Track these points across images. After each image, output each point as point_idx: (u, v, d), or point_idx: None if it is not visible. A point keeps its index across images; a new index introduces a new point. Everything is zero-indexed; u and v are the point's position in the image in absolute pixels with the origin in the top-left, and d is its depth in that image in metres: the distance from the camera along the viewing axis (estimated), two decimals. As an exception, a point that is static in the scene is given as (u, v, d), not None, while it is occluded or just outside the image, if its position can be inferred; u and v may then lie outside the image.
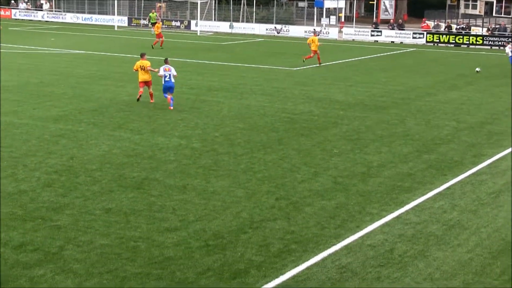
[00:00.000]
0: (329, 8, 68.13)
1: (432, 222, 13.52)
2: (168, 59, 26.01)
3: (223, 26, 66.66)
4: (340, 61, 42.31)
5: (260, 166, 17.36)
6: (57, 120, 22.26)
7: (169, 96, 24.82)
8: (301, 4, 79.72)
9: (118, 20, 67.92)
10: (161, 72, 24.78)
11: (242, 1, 70.76)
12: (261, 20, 70.05)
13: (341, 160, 18.09)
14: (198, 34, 63.13)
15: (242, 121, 22.95)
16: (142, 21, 70.30)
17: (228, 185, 15.71)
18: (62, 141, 19.41)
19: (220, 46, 51.87)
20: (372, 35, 60.20)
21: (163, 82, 24.87)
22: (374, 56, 46.21)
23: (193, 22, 67.50)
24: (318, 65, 39.14)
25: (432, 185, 16.06)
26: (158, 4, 73.31)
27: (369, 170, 17.25)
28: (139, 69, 25.61)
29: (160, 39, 48.78)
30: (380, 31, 59.84)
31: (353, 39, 60.17)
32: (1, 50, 41.92)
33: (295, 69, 37.77)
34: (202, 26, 65.27)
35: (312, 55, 39.40)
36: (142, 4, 73.13)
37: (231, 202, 14.50)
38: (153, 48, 46.59)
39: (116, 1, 68.96)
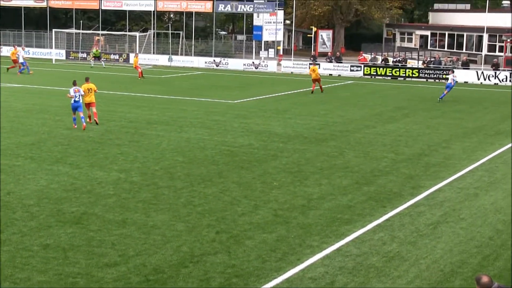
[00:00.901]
0: (267, 41, 68.91)
1: (372, 254, 13.70)
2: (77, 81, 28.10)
3: (162, 59, 66.70)
4: (279, 94, 42.71)
5: (201, 200, 17.37)
6: (-6, 154, 21.90)
7: (82, 120, 27.23)
8: (239, 37, 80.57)
9: (56, 54, 67.38)
10: (71, 93, 27.09)
11: (181, 34, 71.03)
12: (200, 53, 70.40)
13: (281, 193, 18.23)
14: (137, 67, 62.92)
15: (181, 154, 22.95)
16: (80, 54, 69.89)
17: (169, 219, 15.67)
18: (-1, 176, 19.11)
19: (159, 79, 51.83)
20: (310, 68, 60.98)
21: (72, 102, 27.04)
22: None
23: (131, 55, 67.27)
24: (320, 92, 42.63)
25: (371, 217, 16.29)
26: (97, 38, 72.99)
27: (309, 202, 17.42)
28: (87, 91, 28.04)
29: (138, 70, 51.84)
30: (318, 64, 60.66)
31: (291, 72, 60.84)
32: None
33: (235, 101, 37.98)
34: (141, 59, 65.12)
35: (314, 85, 43.10)
36: (80, 37, 72.72)
37: (172, 236, 14.46)
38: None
39: (53, 35, 68.40)
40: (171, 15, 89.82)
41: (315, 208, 16.93)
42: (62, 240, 13.95)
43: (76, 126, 27.20)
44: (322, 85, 43.73)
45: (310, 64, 52.87)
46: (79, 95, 27.22)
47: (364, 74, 57.78)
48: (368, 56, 64.73)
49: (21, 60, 52.57)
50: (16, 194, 17.31)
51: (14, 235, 14.13)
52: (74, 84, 27.73)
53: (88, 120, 28.34)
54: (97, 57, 62.12)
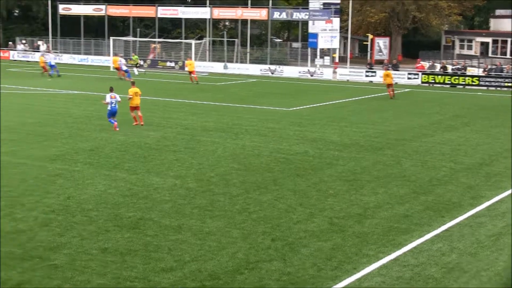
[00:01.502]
0: (323, 49, 68.75)
1: (431, 264, 13.52)
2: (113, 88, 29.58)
3: (217, 67, 67.13)
4: (335, 102, 42.58)
5: (256, 207, 17.41)
6: (54, 160, 22.33)
7: (115, 123, 28.65)
8: (295, 44, 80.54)
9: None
10: (107, 99, 28.49)
11: (236, 42, 71.38)
12: (255, 60, 70.57)
13: (337, 201, 18.16)
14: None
15: (237, 161, 23.04)
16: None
17: (224, 225, 15.74)
18: (59, 180, 19.48)
19: (215, 87, 52.17)
20: (366, 76, 60.65)
21: (109, 108, 28.51)
22: (369, 97, 46.52)
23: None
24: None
25: (429, 227, 16.07)
26: (153, 45, 73.86)
27: (365, 211, 17.30)
28: (134, 95, 29.69)
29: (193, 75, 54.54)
30: (375, 72, 60.28)
31: (347, 80, 60.61)
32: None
33: (290, 109, 37.99)
34: (197, 66, 65.63)
35: (389, 89, 45.03)
36: (137, 45, 73.67)
37: (227, 242, 14.52)
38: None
39: (111, 42, 69.46)
40: (227, 23, 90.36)
41: (371, 217, 16.81)
42: (120, 244, 14.15)
43: (118, 129, 28.44)
44: (391, 91, 45.00)
45: (384, 69, 52.31)
46: (116, 101, 28.69)
47: (422, 82, 57.16)
48: (426, 64, 64.00)
49: (123, 67, 55.17)
50: (75, 199, 17.62)
51: (74, 239, 14.38)
52: (111, 90, 29.13)
53: (135, 122, 29.99)
54: (137, 64, 62.84)
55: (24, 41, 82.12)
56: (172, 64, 69.22)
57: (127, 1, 79.11)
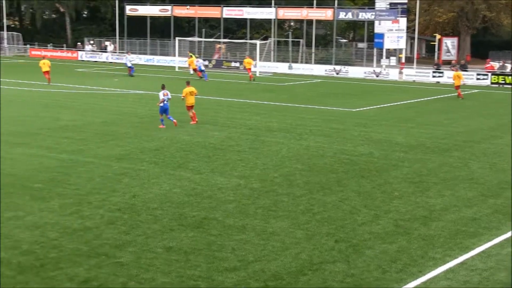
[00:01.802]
0: (389, 49, 68.06)
1: (500, 269, 13.19)
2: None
3: (282, 67, 67.13)
4: (401, 103, 42.09)
5: (320, 208, 17.32)
6: (120, 159, 22.65)
7: (171, 118, 29.45)
8: (360, 45, 79.95)
9: (179, 61, 69.01)
10: (161, 97, 29.25)
11: (301, 42, 71.25)
12: (320, 60, 70.34)
13: (402, 203, 17.92)
14: (257, 74, 63.61)
15: (301, 162, 22.97)
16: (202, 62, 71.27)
17: (288, 226, 15.70)
18: (125, 179, 19.74)
19: (279, 87, 52.17)
20: (433, 76, 59.79)
21: (161, 105, 29.23)
22: (436, 98, 45.83)
23: (252, 63, 68.03)
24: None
25: (498, 230, 15.71)
26: (218, 45, 74.34)
27: (431, 213, 17.02)
28: (188, 95, 30.35)
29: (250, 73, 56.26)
30: (442, 72, 59.37)
31: (413, 80, 59.86)
32: (67, 91, 43.07)
33: (355, 110, 37.72)
34: (261, 66, 65.81)
35: (460, 90, 45.09)
36: (202, 45, 74.24)
37: (291, 243, 14.48)
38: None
39: (177, 43, 70.18)
40: (292, 23, 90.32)
41: (437, 219, 16.53)
42: (184, 243, 14.25)
43: (164, 126, 29.16)
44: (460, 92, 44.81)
45: (453, 70, 51.64)
46: (167, 99, 29.46)
47: (492, 83, 56.04)
48: (496, 64, 62.64)
49: (201, 67, 57.43)
50: (141, 198, 17.82)
51: (139, 237, 14.55)
52: (163, 88, 29.92)
53: (193, 122, 30.65)
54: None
55: (92, 42, 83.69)
56: (237, 65, 69.49)
57: (193, 1, 79.78)
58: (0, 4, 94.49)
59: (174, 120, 29.55)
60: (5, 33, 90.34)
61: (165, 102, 29.44)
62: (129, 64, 59.14)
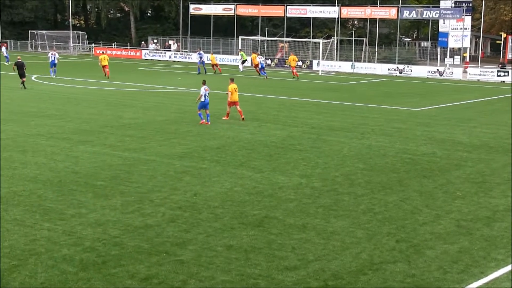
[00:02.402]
0: (453, 48, 67.01)
1: None
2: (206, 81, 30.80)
3: (344, 66, 66.79)
4: (465, 102, 41.42)
5: (381, 207, 17.16)
6: (182, 157, 22.86)
7: (207, 115, 30.04)
8: (424, 44, 78.99)
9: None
10: (202, 92, 29.72)
11: (364, 41, 70.76)
12: (383, 60, 69.79)
13: (465, 203, 17.62)
14: (320, 74, 63.47)
15: (362, 161, 22.81)
16: (265, 61, 71.43)
17: (348, 225, 15.61)
18: (186, 177, 19.91)
19: (342, 86, 51.92)
20: (498, 76, 58.62)
21: (202, 100, 29.73)
22: (500, 97, 44.92)
23: (315, 62, 67.98)
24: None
25: None
26: (281, 44, 74.42)
27: (495, 214, 16.70)
28: (233, 91, 30.98)
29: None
30: (507, 71, 58.15)
31: (478, 80, 58.83)
32: (130, 89, 43.71)
33: (417, 109, 37.27)
34: (324, 66, 65.60)
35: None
36: (265, 44, 74.39)
37: (351, 242, 14.39)
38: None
39: (240, 42, 70.48)
40: (355, 22, 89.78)
41: (501, 220, 16.20)
42: (244, 242, 14.29)
43: (204, 121, 29.95)
44: None
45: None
46: (208, 94, 29.97)
47: (557, 82, 54.64)
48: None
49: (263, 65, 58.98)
50: (202, 196, 17.95)
51: (200, 235, 14.65)
52: (204, 83, 30.31)
53: (226, 117, 31.42)
54: (244, 61, 64.11)
55: (155, 41, 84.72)
56: (299, 63, 69.40)
57: (257, 0, 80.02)
58: (66, 3, 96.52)
59: (208, 122, 29.97)
60: (70, 32, 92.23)
61: (206, 98, 29.91)
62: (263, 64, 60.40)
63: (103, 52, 57.97)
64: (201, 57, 60.57)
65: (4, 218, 15.57)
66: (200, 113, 30.28)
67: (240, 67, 64.34)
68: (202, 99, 29.89)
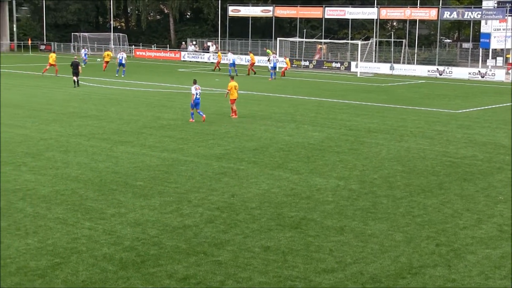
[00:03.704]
0: (495, 49, 66.17)
1: None
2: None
3: (383, 68, 66.37)
4: (507, 104, 40.86)
5: (420, 210, 17.00)
6: (220, 158, 22.91)
7: (200, 113, 30.82)
8: (465, 45, 78.16)
9: (280, 62, 69.31)
10: (193, 91, 30.48)
11: (404, 43, 70.23)
12: (422, 61, 69.22)
13: (507, 208, 17.36)
14: (358, 75, 63.18)
15: (401, 163, 22.63)
16: (302, 62, 71.36)
17: (387, 228, 15.49)
18: (224, 178, 19.95)
19: (380, 88, 51.60)
20: (541, 77, 57.78)
21: (194, 98, 30.42)
22: (543, 100, 44.27)
23: (353, 64, 67.67)
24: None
25: None
26: (319, 46, 74.22)
27: (537, 219, 16.44)
28: (233, 89, 32.04)
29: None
30: None
31: (520, 81, 58.01)
32: (169, 91, 43.95)
33: (458, 111, 36.88)
34: (362, 67, 65.29)
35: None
36: (303, 46, 74.27)
37: (390, 246, 14.27)
38: None
39: (278, 43, 70.47)
40: (394, 23, 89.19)
41: (544, 225, 15.94)
42: (281, 243, 14.26)
43: (193, 120, 30.72)
44: None
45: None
46: (199, 93, 30.81)
47: None
48: None
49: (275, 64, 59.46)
50: (239, 197, 17.97)
51: (237, 236, 14.66)
52: (195, 83, 31.18)
53: (234, 115, 32.53)
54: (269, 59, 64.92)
55: (194, 42, 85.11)
56: (338, 65, 69.17)
57: (295, 2, 79.96)
58: (108, 6, 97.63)
59: (203, 115, 30.93)
60: (111, 34, 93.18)
61: (198, 96, 30.69)
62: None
63: (107, 49, 62.11)
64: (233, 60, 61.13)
65: (47, 216, 15.78)
66: (192, 112, 31.05)
67: (269, 65, 64.81)
68: (194, 97, 30.73)
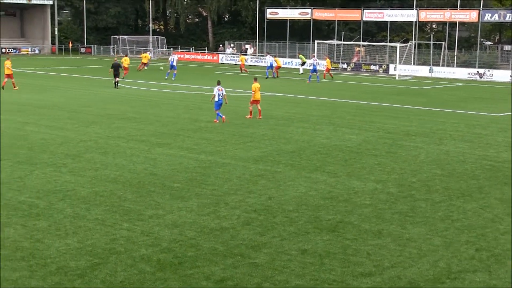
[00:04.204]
0: (537, 52, 65.24)
1: None
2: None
3: (422, 70, 65.84)
4: (548, 108, 40.26)
5: (459, 215, 16.82)
6: (257, 160, 22.92)
7: (221, 115, 31.33)
8: (506, 47, 77.14)
9: (319, 64, 69.18)
10: (215, 92, 31.09)
11: (443, 45, 69.59)
12: (462, 64, 68.48)
13: (548, 212, 17.10)
14: (397, 78, 62.77)
15: (440, 167, 22.41)
16: (340, 65, 71.08)
17: (425, 232, 15.35)
18: (261, 181, 19.95)
19: (419, 91, 51.19)
20: None
21: (216, 100, 31.06)
22: None
23: (391, 66, 67.24)
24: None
25: None
26: (357, 48, 73.91)
27: None
28: (256, 90, 32.32)
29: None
30: None
31: (563, 84, 57.10)
32: (207, 93, 44.12)
33: (499, 114, 36.41)
34: (401, 70, 64.84)
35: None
36: (341, 48, 74.01)
37: (428, 250, 14.13)
38: None
39: (315, 46, 70.32)
40: (434, 25, 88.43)
41: None
42: (319, 246, 14.22)
43: (218, 121, 31.22)
44: None
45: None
46: (222, 94, 31.21)
47: None
48: None
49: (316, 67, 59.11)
50: (277, 199, 17.95)
51: (274, 239, 14.65)
52: (218, 83, 31.77)
53: (250, 116, 32.85)
54: (304, 63, 65.12)
55: (232, 45, 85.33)
56: (376, 68, 68.79)
57: (333, 5, 79.75)
58: (147, 9, 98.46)
59: (223, 116, 31.33)
60: (150, 37, 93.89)
61: (220, 98, 31.11)
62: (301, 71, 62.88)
63: (126, 55, 61.55)
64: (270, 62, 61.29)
65: (87, 217, 15.95)
66: (218, 113, 31.49)
67: (300, 69, 65.21)
68: (216, 98, 31.14)
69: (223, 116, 31.34)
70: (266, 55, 65.23)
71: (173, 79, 54.41)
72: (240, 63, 68.49)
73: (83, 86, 49.10)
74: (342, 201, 17.88)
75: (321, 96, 44.81)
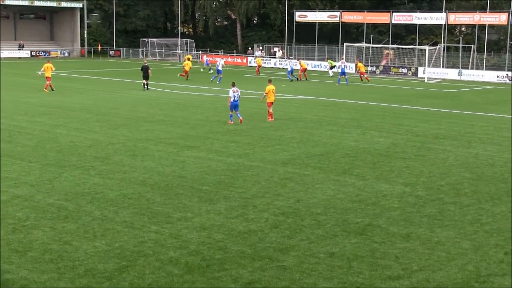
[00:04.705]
0: None
1: None
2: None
3: (451, 73, 65.40)
4: None
5: (488, 218, 16.71)
6: (285, 163, 22.95)
7: (238, 116, 31.60)
8: (536, 50, 76.24)
9: (347, 67, 69.03)
10: (231, 94, 31.03)
11: (472, 48, 69.09)
12: (492, 67, 67.89)
13: None
14: (426, 81, 62.41)
15: (469, 170, 22.28)
16: (369, 68, 70.83)
17: (454, 235, 15.28)
18: (290, 184, 19.98)
19: (448, 94, 50.87)
20: None
21: (232, 100, 31.09)
22: None
23: (420, 69, 66.87)
24: None
25: None
26: (386, 51, 73.58)
27: None
28: (270, 92, 32.37)
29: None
30: None
31: None
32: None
33: (528, 118, 36.08)
34: (430, 73, 64.46)
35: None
36: (370, 51, 73.77)
37: (456, 253, 14.07)
38: None
39: (344, 49, 70.18)
40: (463, 28, 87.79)
41: None
42: (346, 249, 14.22)
43: (232, 122, 31.47)
44: None
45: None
46: (238, 95, 31.28)
47: None
48: None
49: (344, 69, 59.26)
50: (304, 202, 17.97)
51: (302, 242, 14.67)
52: (233, 85, 31.78)
53: (271, 119, 32.83)
54: (333, 67, 64.97)
55: (261, 48, 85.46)
56: (405, 71, 68.46)
57: (362, 7, 79.56)
58: (176, 12, 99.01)
59: (241, 118, 31.69)
60: (179, 40, 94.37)
61: (236, 99, 31.20)
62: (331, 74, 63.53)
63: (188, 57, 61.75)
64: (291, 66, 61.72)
65: (115, 220, 16.09)
66: (231, 114, 31.64)
67: (330, 72, 65.39)
68: (232, 100, 31.25)
69: (240, 117, 31.69)
70: (285, 60, 65.75)
71: (218, 82, 54.77)
72: (256, 65, 69.02)
73: (112, 88, 49.50)
74: (370, 204, 17.86)
75: (350, 99, 44.72)
